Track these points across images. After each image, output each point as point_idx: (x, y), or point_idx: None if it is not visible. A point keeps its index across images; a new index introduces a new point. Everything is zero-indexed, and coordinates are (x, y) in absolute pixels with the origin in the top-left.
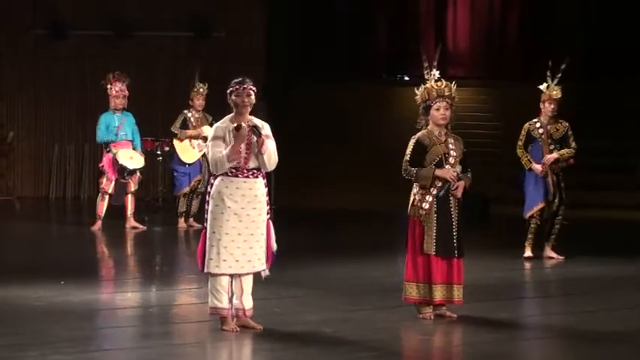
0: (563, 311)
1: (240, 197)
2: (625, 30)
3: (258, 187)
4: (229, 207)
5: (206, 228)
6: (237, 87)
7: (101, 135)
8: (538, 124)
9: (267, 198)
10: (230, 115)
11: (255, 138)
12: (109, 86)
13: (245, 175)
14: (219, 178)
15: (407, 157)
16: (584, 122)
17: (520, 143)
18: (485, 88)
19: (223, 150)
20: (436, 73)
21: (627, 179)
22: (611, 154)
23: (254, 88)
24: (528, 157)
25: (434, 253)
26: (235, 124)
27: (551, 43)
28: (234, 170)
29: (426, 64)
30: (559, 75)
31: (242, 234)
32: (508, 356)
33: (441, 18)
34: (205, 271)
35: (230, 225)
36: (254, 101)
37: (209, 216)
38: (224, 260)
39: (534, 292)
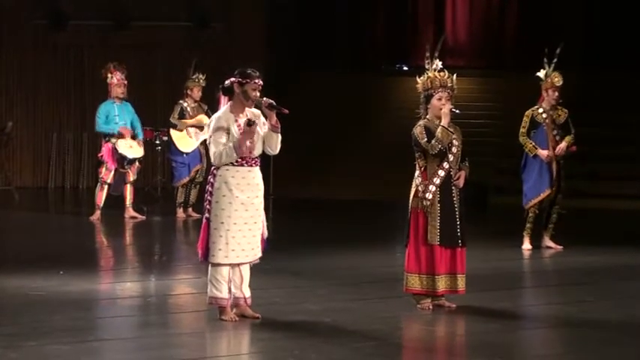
0: (562, 301)
1: (246, 186)
2: (626, 18)
3: (260, 176)
4: (237, 197)
5: (208, 218)
6: (256, 81)
7: (100, 124)
8: (541, 110)
9: None
10: (228, 105)
11: (254, 123)
12: (109, 75)
13: (249, 164)
14: (223, 168)
15: (424, 140)
16: (585, 111)
17: (523, 130)
18: (484, 78)
19: (224, 141)
20: (439, 63)
21: (628, 168)
22: (612, 143)
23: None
24: (532, 144)
25: (438, 243)
26: (247, 119)
27: (551, 31)
28: (239, 159)
29: (427, 54)
30: (554, 60)
31: (248, 223)
32: (509, 346)
33: (441, 7)
34: (213, 261)
35: (238, 215)
36: None
37: (215, 206)
38: (232, 250)
39: (534, 282)
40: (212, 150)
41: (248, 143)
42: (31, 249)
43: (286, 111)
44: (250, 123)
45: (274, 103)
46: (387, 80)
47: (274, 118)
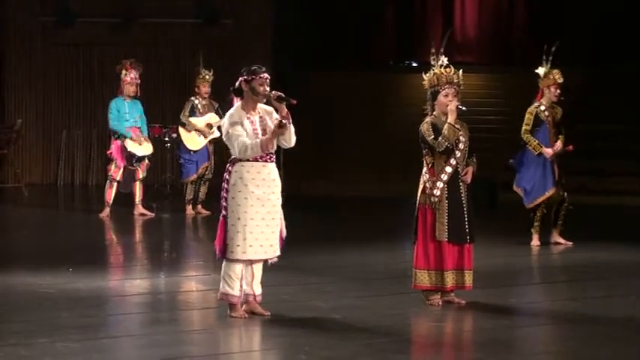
0: (571, 297)
1: (262, 182)
2: (634, 15)
3: (275, 172)
4: (253, 192)
5: (225, 215)
6: (262, 75)
7: (113, 121)
8: (543, 107)
9: None
10: (240, 104)
11: (285, 125)
12: (124, 72)
13: (264, 159)
14: (238, 164)
15: (431, 137)
16: (591, 107)
17: (527, 128)
18: (493, 74)
19: (245, 133)
20: (444, 59)
21: (635, 165)
22: (619, 139)
23: (269, 77)
24: (537, 142)
25: (446, 239)
26: (280, 120)
27: (560, 28)
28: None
29: (433, 50)
30: (551, 58)
31: (265, 219)
32: (518, 342)
33: (449, 2)
34: (232, 257)
35: (254, 210)
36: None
37: (231, 202)
38: (250, 246)
39: (542, 278)
40: (234, 143)
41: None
42: (40, 246)
43: (294, 101)
44: (281, 125)
45: (283, 95)
46: (395, 77)
47: (285, 110)
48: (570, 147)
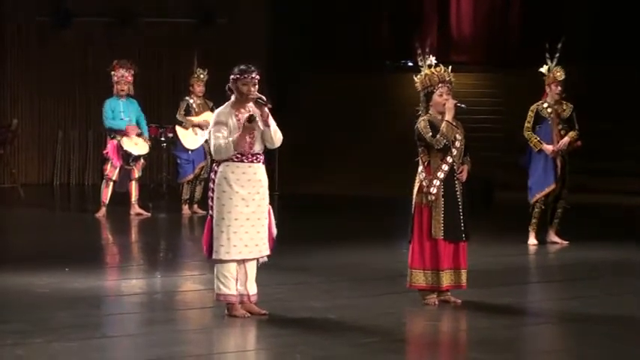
0: (567, 296)
1: (247, 182)
2: (631, 13)
3: (262, 172)
4: (237, 192)
5: (211, 215)
6: (246, 76)
7: (108, 119)
8: (545, 105)
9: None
10: (231, 102)
11: (255, 119)
12: (112, 72)
13: (250, 160)
14: (223, 164)
15: (429, 134)
16: (589, 105)
17: (528, 125)
18: (489, 73)
19: (225, 134)
20: (432, 58)
21: (632, 164)
22: (620, 138)
23: (259, 77)
24: (538, 139)
25: (442, 237)
26: (248, 114)
27: (556, 27)
28: (239, 155)
29: (419, 51)
30: (557, 55)
31: (250, 219)
32: (513, 341)
33: (445, 3)
34: (215, 257)
35: (238, 210)
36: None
37: (216, 202)
38: (234, 246)
39: (538, 277)
40: (211, 143)
41: (248, 139)
42: (36, 246)
43: (270, 106)
44: (251, 119)
45: (261, 99)
46: (391, 77)
47: (266, 113)
48: (579, 143)
